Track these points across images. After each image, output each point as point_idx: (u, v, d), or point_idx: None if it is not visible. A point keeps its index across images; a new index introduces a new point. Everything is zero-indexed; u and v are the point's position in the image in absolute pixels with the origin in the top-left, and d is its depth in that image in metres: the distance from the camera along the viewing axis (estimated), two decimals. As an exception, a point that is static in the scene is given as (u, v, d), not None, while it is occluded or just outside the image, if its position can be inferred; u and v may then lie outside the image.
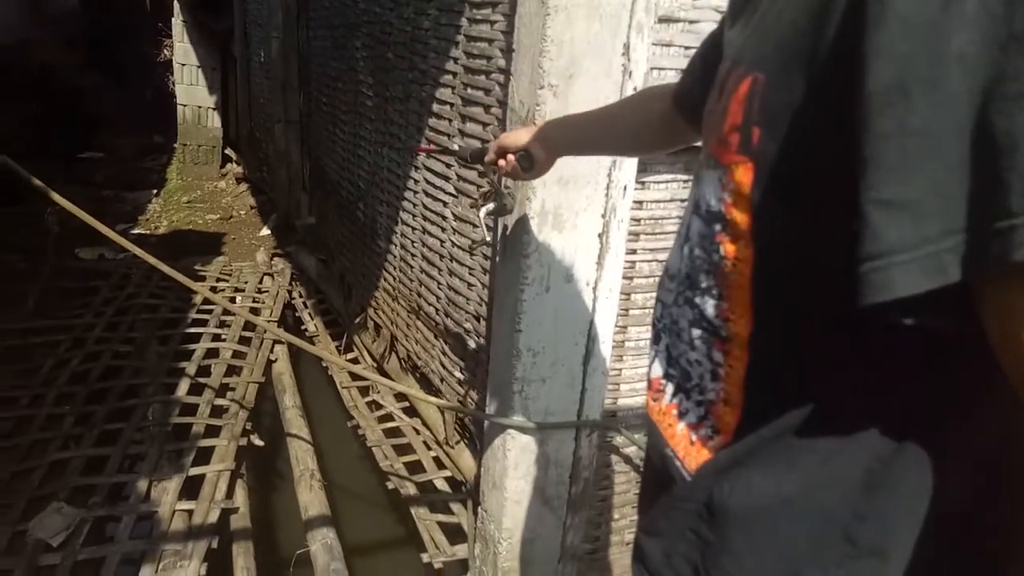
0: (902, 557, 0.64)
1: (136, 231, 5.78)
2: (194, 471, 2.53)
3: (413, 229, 2.73)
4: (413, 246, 2.75)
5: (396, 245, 2.95)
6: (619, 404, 2.05)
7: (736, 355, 0.70)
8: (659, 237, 1.88)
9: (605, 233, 1.70)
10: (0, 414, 2.80)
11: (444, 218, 2.44)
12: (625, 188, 1.69)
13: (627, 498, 2.23)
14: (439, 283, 2.54)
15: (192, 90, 6.96)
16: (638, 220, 1.83)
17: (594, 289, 1.75)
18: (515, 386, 1.79)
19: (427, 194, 2.56)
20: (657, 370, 0.82)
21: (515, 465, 1.89)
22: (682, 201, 1.87)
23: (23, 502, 2.34)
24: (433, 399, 2.45)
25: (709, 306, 0.72)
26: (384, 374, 3.29)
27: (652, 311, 0.84)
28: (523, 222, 1.63)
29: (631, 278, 1.89)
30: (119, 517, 2.31)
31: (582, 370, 1.85)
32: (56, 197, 1.92)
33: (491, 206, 1.50)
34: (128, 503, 2.37)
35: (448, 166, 2.37)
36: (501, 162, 1.33)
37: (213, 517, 2.33)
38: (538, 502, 1.97)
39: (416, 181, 2.65)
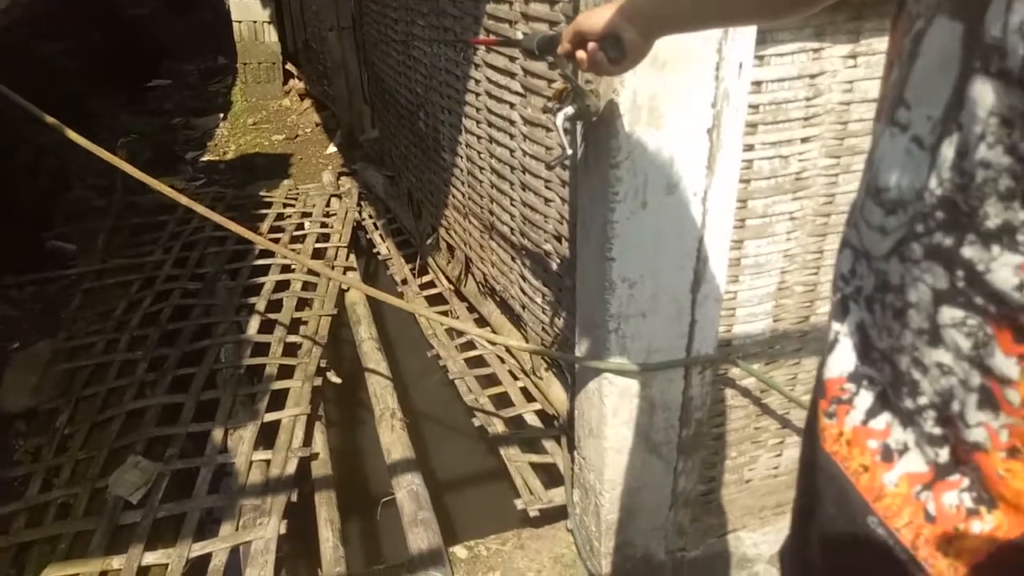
0: None
1: (205, 158, 5.68)
2: (269, 416, 2.40)
3: (479, 138, 2.40)
4: (480, 157, 2.42)
5: (462, 157, 2.63)
6: (734, 332, 1.72)
7: None
8: (783, 127, 1.48)
9: (716, 127, 1.33)
10: (79, 363, 2.74)
11: (512, 123, 2.08)
12: (740, 66, 1.30)
13: (745, 434, 1.94)
14: (512, 199, 2.22)
15: (245, 4, 6.65)
16: (756, 107, 1.43)
17: (703, 200, 1.40)
18: (609, 324, 1.49)
19: (491, 95, 2.20)
20: (840, 363, 0.48)
21: (614, 412, 1.61)
22: (812, 77, 1.46)
23: (103, 455, 2.27)
24: (516, 344, 2.19)
25: (1003, 268, 0.37)
26: (462, 298, 3.05)
27: (837, 263, 0.50)
28: (608, 121, 1.27)
29: (747, 181, 1.51)
30: (196, 470, 2.20)
31: (690, 299, 1.52)
32: (72, 135, 1.69)
33: (570, 109, 1.15)
34: (205, 455, 2.26)
35: (512, 59, 2.00)
36: (580, 53, 0.98)
37: (291, 467, 2.19)
38: (643, 449, 1.70)
39: (477, 81, 2.29)
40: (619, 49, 0.92)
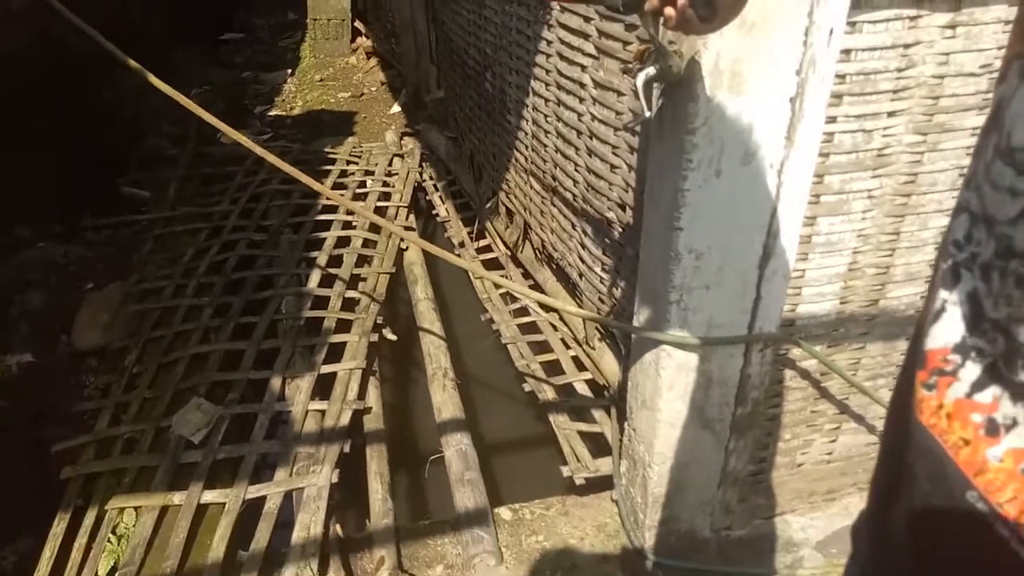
0: None
1: (273, 112, 5.76)
2: (326, 368, 2.45)
3: (546, 101, 2.36)
4: (547, 121, 2.39)
5: (527, 120, 2.59)
6: (799, 311, 1.67)
7: None
8: (870, 99, 1.41)
9: (800, 96, 1.27)
10: (148, 306, 2.84)
11: (582, 86, 2.04)
12: (831, 32, 1.23)
13: (800, 417, 1.89)
14: (576, 164, 2.18)
15: (317, -40, 6.68)
16: (842, 77, 1.37)
17: (779, 172, 1.34)
18: (672, 295, 1.46)
19: (561, 57, 2.16)
20: (945, 334, 0.45)
21: (670, 385, 1.59)
22: (906, 47, 1.38)
23: (167, 395, 2.35)
24: (574, 310, 2.16)
25: None
26: (518, 263, 3.04)
27: (949, 229, 0.47)
28: (688, 84, 1.23)
29: (827, 155, 1.45)
30: (255, 415, 2.27)
31: (757, 274, 1.47)
32: (154, 80, 1.72)
33: (652, 70, 1.11)
34: (263, 401, 2.33)
35: (586, 20, 1.95)
36: (668, 9, 0.93)
37: (345, 419, 2.24)
38: (696, 425, 1.67)
39: (549, 42, 2.25)
40: (710, 7, 0.88)
